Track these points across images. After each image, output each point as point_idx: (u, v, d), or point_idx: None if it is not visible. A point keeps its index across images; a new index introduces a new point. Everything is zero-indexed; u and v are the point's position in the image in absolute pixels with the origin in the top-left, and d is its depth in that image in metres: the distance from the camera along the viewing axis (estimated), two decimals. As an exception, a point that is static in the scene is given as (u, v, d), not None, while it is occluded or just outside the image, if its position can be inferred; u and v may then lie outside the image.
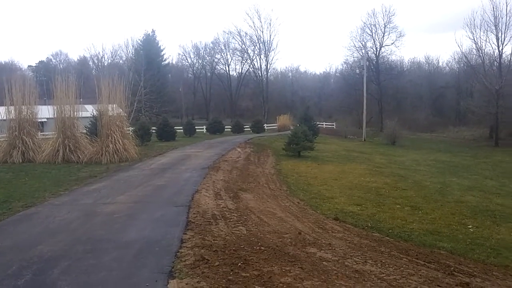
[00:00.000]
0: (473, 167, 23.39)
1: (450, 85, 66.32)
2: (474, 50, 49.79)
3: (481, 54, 47.59)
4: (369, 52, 62.07)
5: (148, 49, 63.38)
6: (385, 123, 51.31)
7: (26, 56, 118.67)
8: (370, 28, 62.71)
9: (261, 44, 71.42)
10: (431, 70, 75.27)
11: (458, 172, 20.83)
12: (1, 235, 7.32)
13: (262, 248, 6.60)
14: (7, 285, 5.11)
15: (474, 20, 47.67)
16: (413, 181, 16.62)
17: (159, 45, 67.51)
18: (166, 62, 72.01)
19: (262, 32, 70.67)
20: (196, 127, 43.33)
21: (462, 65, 62.94)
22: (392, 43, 62.32)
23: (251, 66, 74.35)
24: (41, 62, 79.18)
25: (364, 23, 65.80)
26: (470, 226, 10.00)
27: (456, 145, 41.58)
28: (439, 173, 19.77)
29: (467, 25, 48.53)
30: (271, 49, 71.68)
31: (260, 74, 73.01)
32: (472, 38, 47.15)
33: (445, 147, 38.83)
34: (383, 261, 6.48)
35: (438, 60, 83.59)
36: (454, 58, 69.83)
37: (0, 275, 5.38)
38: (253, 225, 8.23)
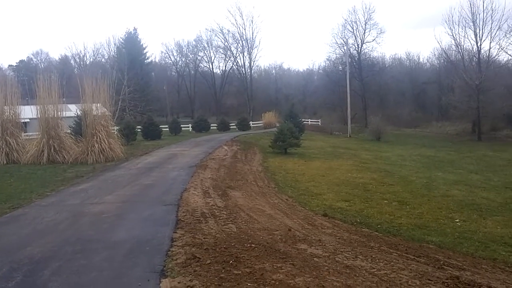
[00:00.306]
0: (457, 162, 23.71)
1: (431, 81, 67.03)
2: (453, 46, 50.89)
3: (460, 50, 48.59)
4: (351, 49, 62.57)
5: (130, 48, 62.91)
6: (369, 119, 51.74)
7: (6, 55, 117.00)
8: (351, 25, 63.33)
9: (243, 42, 71.22)
10: (412, 66, 76.09)
11: (443, 166, 21.08)
12: (-12, 237, 7.20)
13: (252, 245, 6.59)
14: (-3, 287, 5.03)
15: (452, 17, 48.87)
16: (399, 176, 16.77)
17: (141, 43, 67.23)
18: (149, 60, 71.77)
19: (245, 29, 70.49)
20: (181, 126, 43.26)
21: (442, 61, 64.03)
22: (373, 40, 63.15)
23: (235, 63, 74.26)
24: (21, 61, 78.07)
25: (345, 20, 66.68)
26: (457, 220, 10.12)
27: (439, 140, 42.14)
28: (424, 168, 19.98)
29: (446, 22, 49.86)
30: (254, 47, 71.48)
31: (244, 72, 72.72)
32: (451, 34, 48.15)
33: (429, 142, 39.30)
34: (373, 256, 6.52)
35: (418, 56, 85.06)
36: (434, 54, 71.06)
37: (-10, 278, 5.29)
38: (243, 222, 8.22)
